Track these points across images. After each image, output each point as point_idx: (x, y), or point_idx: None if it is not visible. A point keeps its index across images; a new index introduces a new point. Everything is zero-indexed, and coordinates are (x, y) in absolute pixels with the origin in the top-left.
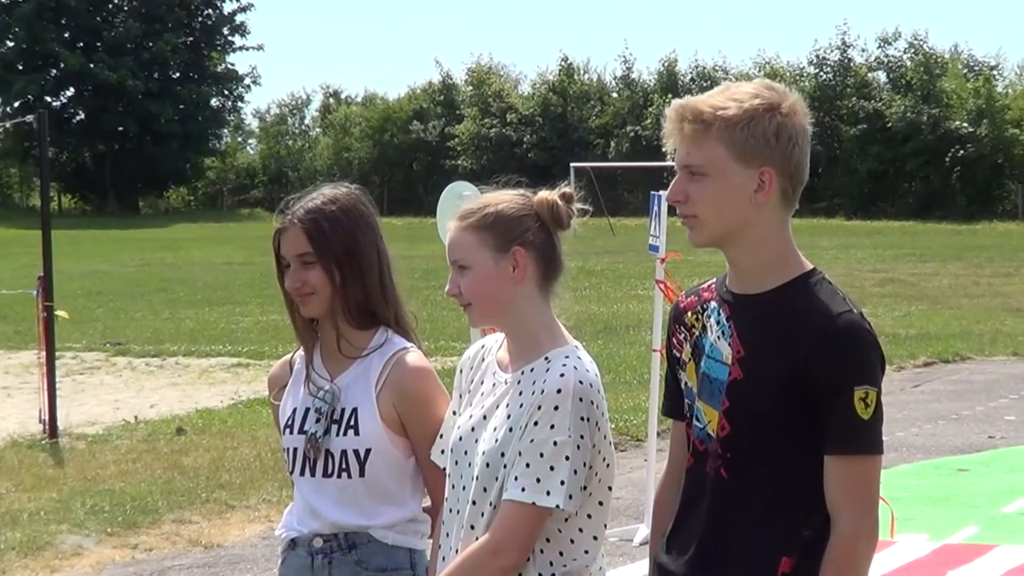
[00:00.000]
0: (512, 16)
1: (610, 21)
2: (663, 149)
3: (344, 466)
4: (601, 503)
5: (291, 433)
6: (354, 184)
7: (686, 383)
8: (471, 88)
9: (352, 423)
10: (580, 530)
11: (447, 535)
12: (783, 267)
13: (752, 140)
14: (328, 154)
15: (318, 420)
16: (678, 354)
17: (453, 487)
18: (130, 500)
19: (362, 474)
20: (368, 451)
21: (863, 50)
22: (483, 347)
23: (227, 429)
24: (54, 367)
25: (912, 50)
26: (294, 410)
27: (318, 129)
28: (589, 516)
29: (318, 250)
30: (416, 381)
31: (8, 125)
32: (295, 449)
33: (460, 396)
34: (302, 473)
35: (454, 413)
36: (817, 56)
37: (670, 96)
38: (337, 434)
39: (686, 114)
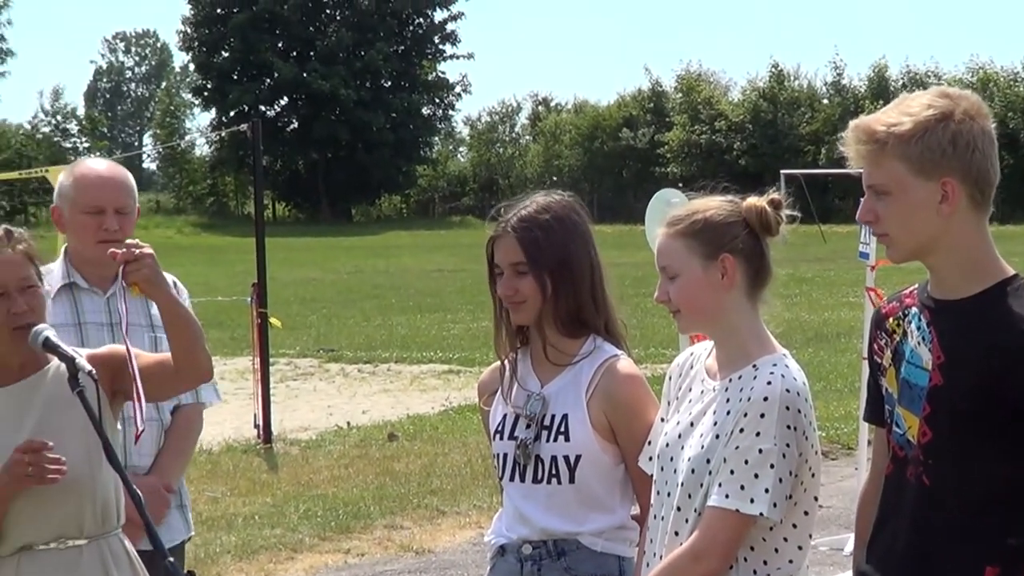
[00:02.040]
0: (722, 23)
1: (820, 27)
2: (848, 166)
3: (554, 472)
4: (807, 512)
5: (501, 439)
6: (567, 192)
7: (886, 389)
8: (681, 95)
9: (562, 429)
10: (785, 539)
11: (652, 541)
12: (982, 273)
13: (928, 152)
14: (538, 161)
15: (528, 426)
16: (879, 360)
17: (658, 493)
18: (343, 505)
19: (572, 480)
20: (578, 457)
21: None
22: (692, 354)
23: (438, 435)
24: (268, 373)
25: None
26: (504, 416)
27: (528, 136)
28: (794, 525)
29: (531, 260)
30: (627, 388)
31: (223, 134)
32: (505, 455)
33: (668, 403)
34: (512, 479)
35: (662, 420)
36: None
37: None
38: (547, 440)
39: (861, 135)
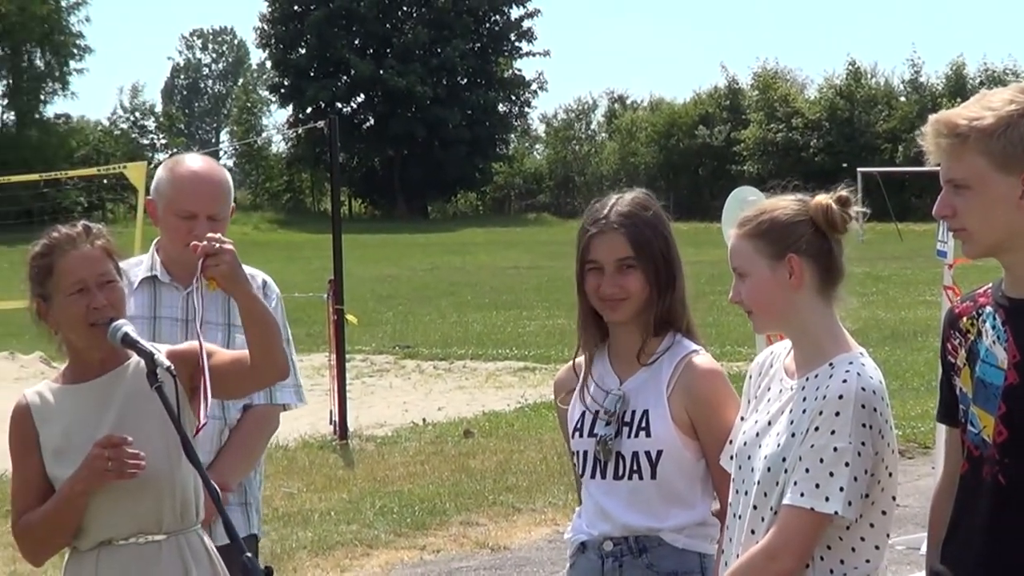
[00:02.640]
0: (799, 20)
1: (898, 24)
2: (927, 162)
3: (635, 468)
4: (884, 512)
5: (580, 436)
6: (643, 189)
7: (960, 388)
8: (757, 93)
9: (643, 425)
10: (862, 539)
11: (730, 540)
12: None
13: (1010, 147)
14: (614, 159)
15: (608, 423)
16: (952, 359)
17: (736, 492)
18: (418, 502)
19: (653, 476)
20: (659, 452)
21: None
22: (772, 353)
23: (514, 432)
24: (344, 370)
25: None
26: (582, 413)
27: (604, 134)
28: (872, 525)
29: (639, 254)
30: (707, 383)
31: (300, 131)
32: (585, 452)
33: (748, 402)
34: (592, 476)
35: (742, 419)
36: None
37: (958, 100)
38: (628, 436)
39: (941, 128)
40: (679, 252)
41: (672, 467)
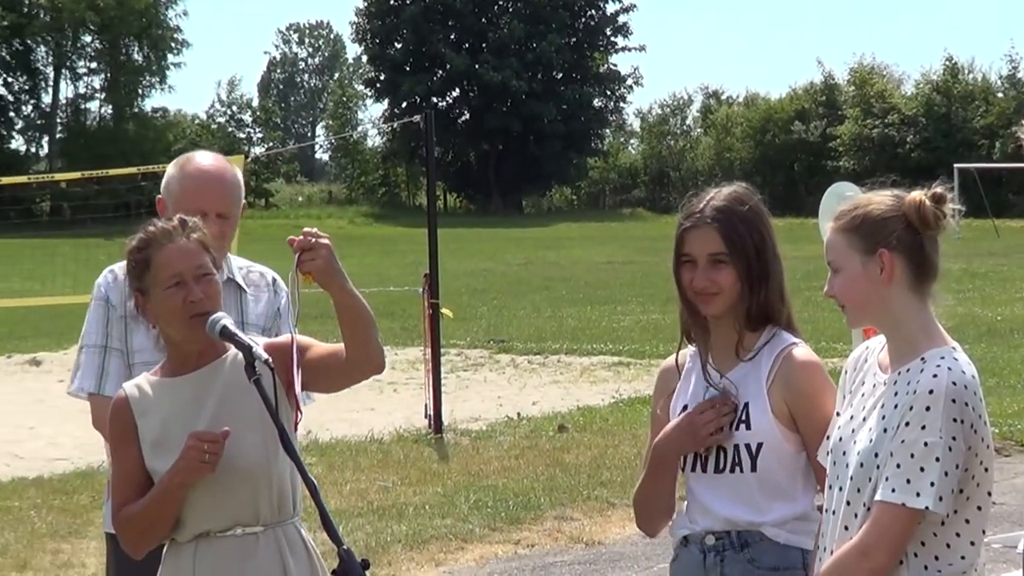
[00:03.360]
0: (896, 16)
1: (995, 20)
2: None
3: (736, 461)
4: (979, 508)
5: None
6: (744, 184)
7: None
8: (853, 88)
9: (744, 418)
10: (957, 535)
11: (824, 536)
12: None
13: None
14: (709, 154)
15: None
16: None
17: (831, 488)
18: (513, 496)
19: (754, 468)
20: (760, 445)
21: None
22: (867, 348)
23: (608, 427)
24: (439, 363)
25: None
26: (684, 407)
27: (699, 129)
28: (967, 521)
29: (732, 250)
30: (806, 375)
31: (396, 125)
32: None
33: (844, 397)
34: (694, 469)
35: (837, 414)
36: None
37: None
38: (728, 429)
39: None
40: (777, 247)
41: (772, 460)
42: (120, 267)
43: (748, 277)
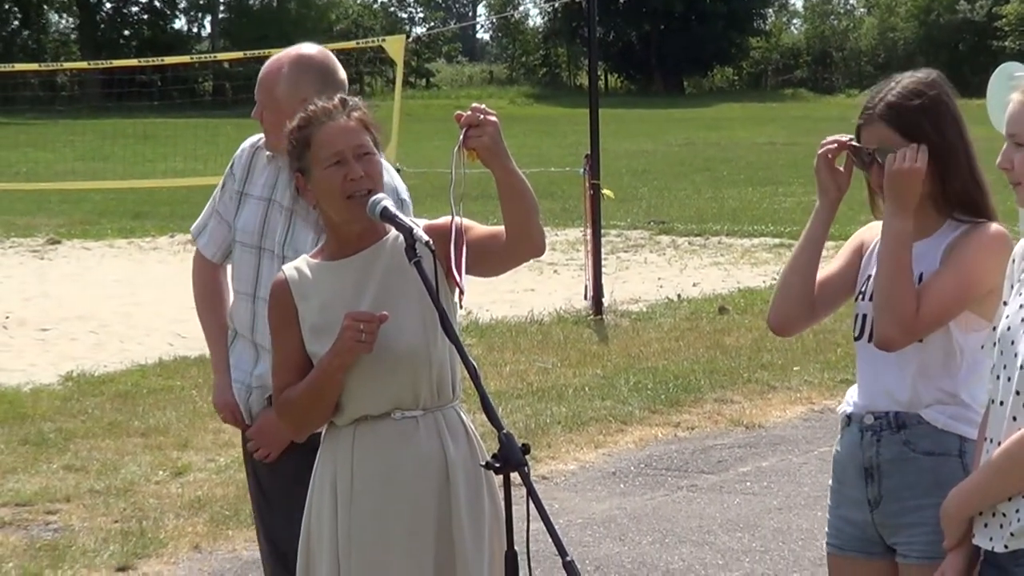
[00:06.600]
0: None
1: None
2: None
3: None
4: None
5: (863, 299)
6: (933, 71)
7: None
8: None
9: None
10: None
11: (991, 426)
12: None
13: None
14: (872, 34)
15: None
16: None
17: (998, 378)
18: (672, 378)
19: (920, 340)
20: None
21: None
22: None
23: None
24: (600, 244)
25: None
26: (868, 277)
27: (863, 9)
28: None
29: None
30: (972, 238)
31: (557, 5)
32: (864, 316)
33: (1012, 286)
34: (859, 337)
35: (1004, 303)
36: None
37: None
38: None
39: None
40: (968, 134)
41: (939, 338)
42: (252, 141)
43: (931, 168)
